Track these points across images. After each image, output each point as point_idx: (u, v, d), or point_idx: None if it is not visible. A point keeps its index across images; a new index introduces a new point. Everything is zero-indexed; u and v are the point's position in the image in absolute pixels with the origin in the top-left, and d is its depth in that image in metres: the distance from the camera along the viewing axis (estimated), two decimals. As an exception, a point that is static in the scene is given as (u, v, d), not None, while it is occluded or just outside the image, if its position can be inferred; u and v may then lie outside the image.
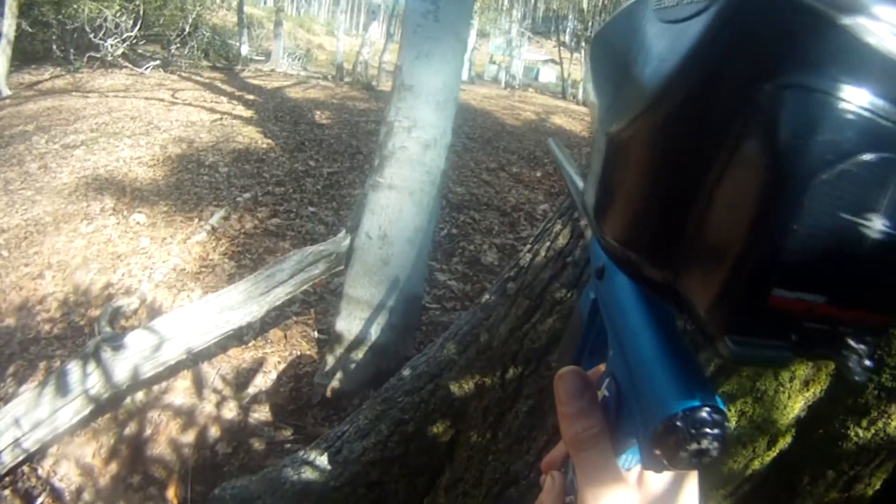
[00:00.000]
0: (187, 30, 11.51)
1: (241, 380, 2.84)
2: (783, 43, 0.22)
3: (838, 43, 0.21)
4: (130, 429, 2.59)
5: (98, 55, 10.07)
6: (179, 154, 5.71)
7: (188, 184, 5.05)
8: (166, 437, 2.55)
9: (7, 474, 2.37)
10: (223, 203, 4.65)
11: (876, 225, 0.21)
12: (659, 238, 0.29)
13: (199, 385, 2.79)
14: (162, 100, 7.98)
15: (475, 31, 18.58)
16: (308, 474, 1.71)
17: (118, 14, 10.06)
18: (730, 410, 0.97)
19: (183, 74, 10.47)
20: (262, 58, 14.42)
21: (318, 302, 3.46)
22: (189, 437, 2.55)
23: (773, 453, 0.98)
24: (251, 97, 8.82)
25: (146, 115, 7.06)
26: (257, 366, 2.92)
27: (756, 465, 0.99)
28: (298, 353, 3.05)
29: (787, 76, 0.21)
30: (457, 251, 4.22)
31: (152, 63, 10.47)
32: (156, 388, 2.75)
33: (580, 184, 0.50)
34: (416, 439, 1.52)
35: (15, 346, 3.13)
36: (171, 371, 2.75)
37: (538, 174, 6.27)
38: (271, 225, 4.40)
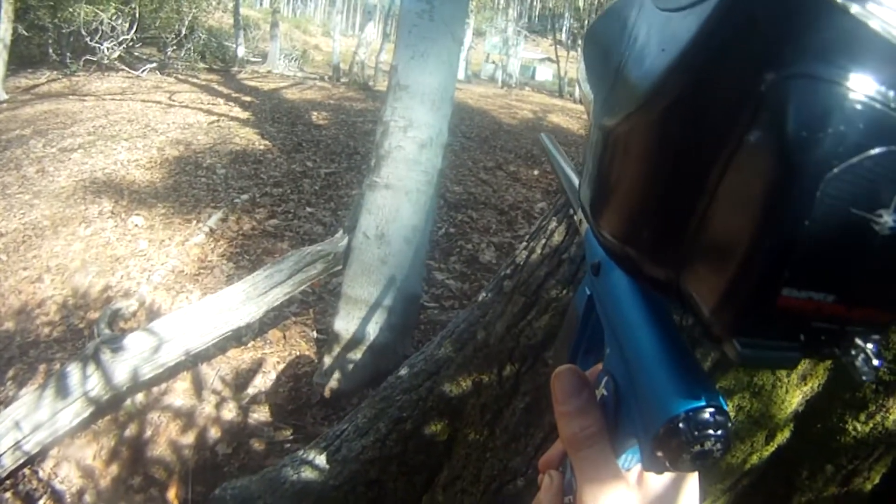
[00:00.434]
0: (183, 32, 11.51)
1: (241, 380, 2.85)
2: (788, 30, 0.21)
3: (845, 30, 0.20)
4: (131, 430, 2.60)
5: (94, 58, 10.07)
6: (177, 156, 5.72)
7: (186, 186, 5.05)
8: (166, 438, 2.56)
9: (8, 477, 2.38)
10: (221, 205, 4.66)
11: (887, 221, 0.21)
12: (660, 235, 0.28)
13: (198, 386, 2.79)
14: (159, 102, 7.98)
15: (471, 30, 18.59)
16: (307, 473, 1.71)
17: (114, 17, 10.05)
18: (728, 405, 0.97)
19: (180, 77, 10.47)
20: (259, 59, 14.43)
21: (317, 302, 3.47)
22: (189, 438, 2.55)
23: (771, 448, 0.98)
24: (248, 99, 8.82)
25: (143, 117, 7.06)
26: (256, 366, 2.93)
27: (754, 459, 0.99)
28: (297, 353, 3.05)
29: (794, 65, 0.21)
30: (455, 250, 4.23)
31: (149, 66, 10.46)
32: (155, 389, 2.76)
33: (574, 179, 0.50)
34: (414, 437, 1.52)
35: (14, 350, 3.13)
36: (171, 372, 2.76)
37: (535, 172, 6.28)
38: (269, 226, 4.41)
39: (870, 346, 0.24)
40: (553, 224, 1.44)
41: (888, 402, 0.87)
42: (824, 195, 0.20)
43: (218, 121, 7.09)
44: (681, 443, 0.27)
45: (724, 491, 1.03)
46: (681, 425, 0.27)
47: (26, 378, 2.92)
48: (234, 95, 9.03)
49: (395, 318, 2.76)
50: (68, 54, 9.97)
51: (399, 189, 2.72)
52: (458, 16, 2.83)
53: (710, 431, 0.27)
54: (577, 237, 1.34)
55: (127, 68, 10.18)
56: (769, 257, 0.22)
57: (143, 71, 10.13)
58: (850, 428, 0.90)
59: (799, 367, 0.94)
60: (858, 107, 0.20)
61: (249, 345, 3.07)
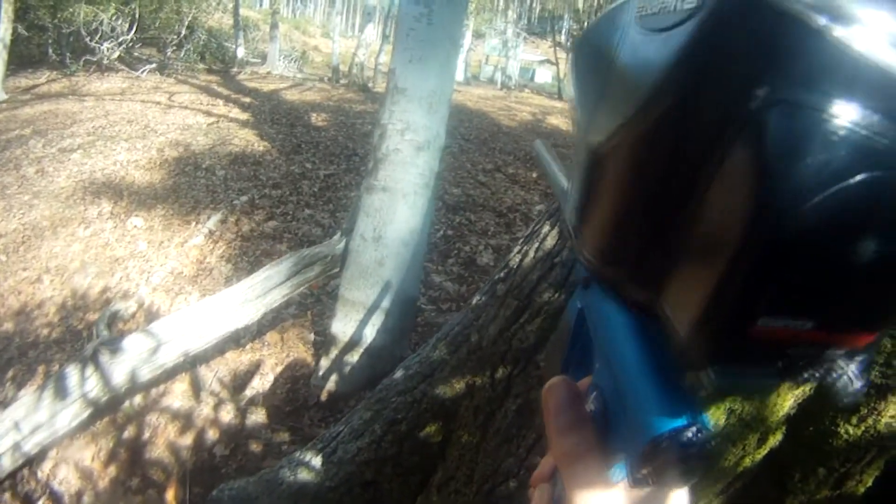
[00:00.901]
0: (183, 33, 11.50)
1: (239, 382, 2.87)
2: (769, 55, 0.20)
3: (827, 54, 0.19)
4: (129, 432, 2.61)
5: (94, 59, 10.06)
6: (176, 157, 5.73)
7: (185, 187, 5.06)
8: (165, 439, 2.58)
9: (7, 478, 2.40)
10: (220, 206, 4.67)
11: (868, 247, 0.20)
12: (639, 256, 0.28)
13: (196, 388, 2.81)
14: (158, 103, 7.99)
15: (470, 32, 18.60)
16: (304, 475, 1.73)
17: (114, 17, 10.06)
18: (719, 409, 0.96)
19: (179, 77, 10.48)
20: (259, 60, 14.42)
21: (315, 304, 3.49)
22: (187, 440, 2.57)
23: (763, 451, 0.98)
24: (247, 100, 8.83)
25: (143, 118, 7.07)
26: (254, 368, 2.94)
27: (747, 462, 0.99)
28: (295, 355, 3.07)
29: (775, 91, 0.20)
30: (453, 252, 4.25)
31: (148, 66, 10.46)
32: (154, 391, 2.78)
33: (567, 186, 0.52)
34: (409, 439, 1.54)
35: (13, 351, 3.15)
36: (169, 374, 2.77)
37: (534, 175, 6.29)
38: (268, 228, 4.42)
39: (853, 367, 0.23)
40: (546, 228, 1.45)
41: (880, 406, 0.88)
42: (803, 223, 0.20)
43: (217, 122, 7.10)
44: (664, 461, 0.27)
45: (717, 494, 1.03)
46: (664, 444, 0.27)
47: (25, 379, 2.94)
48: (233, 96, 9.04)
49: (391, 320, 2.78)
50: (68, 54, 9.97)
51: (396, 192, 2.74)
52: (456, 19, 2.85)
53: (693, 450, 0.27)
54: (569, 242, 1.35)
55: (127, 69, 10.19)
56: (744, 285, 0.21)
57: (143, 71, 10.13)
58: (842, 431, 0.90)
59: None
60: (842, 133, 0.19)
61: (247, 347, 3.09)
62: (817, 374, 0.23)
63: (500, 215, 5.06)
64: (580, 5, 17.99)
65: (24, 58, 9.81)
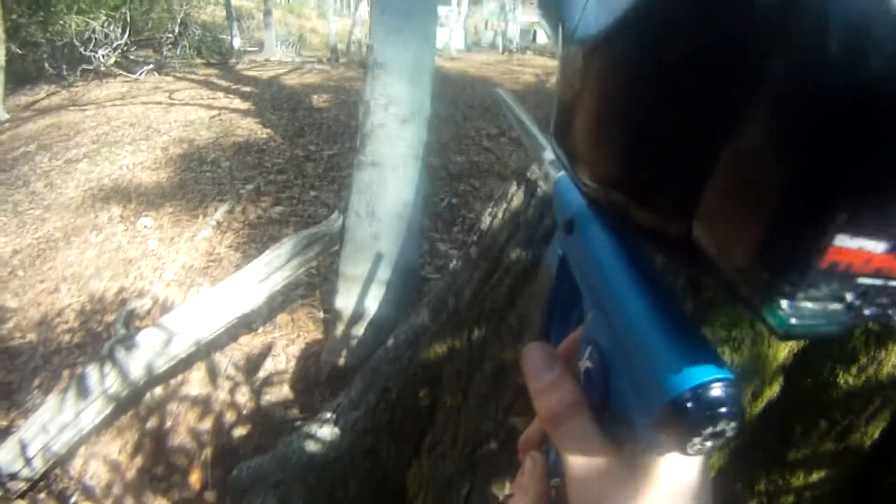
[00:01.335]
0: (177, 30, 11.48)
1: (253, 365, 2.94)
2: None
3: None
4: (152, 423, 2.71)
5: (91, 67, 10.10)
6: (181, 154, 5.79)
7: (191, 182, 5.13)
8: (186, 427, 2.67)
9: (41, 478, 2.51)
10: (227, 197, 4.73)
11: None
12: (665, 175, 0.23)
13: (212, 374, 2.89)
14: (159, 103, 8.04)
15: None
16: (311, 447, 1.79)
17: (106, 24, 10.07)
18: None
19: (178, 75, 10.49)
20: (256, 48, 14.34)
21: (322, 283, 3.53)
22: (207, 425, 2.66)
23: (760, 404, 0.95)
24: (248, 89, 8.83)
25: (145, 119, 7.13)
26: (267, 350, 3.01)
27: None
28: (306, 334, 3.13)
29: None
30: (458, 220, 4.25)
31: (146, 68, 10.48)
32: (173, 381, 2.87)
33: (535, 132, 0.47)
34: (400, 406, 1.58)
35: (38, 360, 3.26)
36: (186, 364, 2.85)
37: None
38: (275, 213, 4.47)
39: None
40: (513, 188, 1.46)
41: (880, 355, 0.83)
42: (885, 113, 0.16)
43: (219, 114, 7.13)
44: (689, 425, 0.23)
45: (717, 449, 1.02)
46: (688, 405, 0.23)
47: (52, 385, 3.05)
48: (233, 87, 9.05)
49: (393, 291, 2.81)
50: (64, 66, 10.00)
51: (385, 166, 2.75)
52: (431, -11, 2.82)
53: (723, 409, 0.23)
54: (534, 199, 1.35)
55: (124, 73, 10.22)
56: (823, 195, 0.17)
57: (141, 73, 10.17)
58: (842, 382, 0.86)
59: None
60: None
61: (259, 330, 3.16)
62: (890, 311, 0.20)
63: (504, 179, 5.02)
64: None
65: (21, 76, 9.87)
